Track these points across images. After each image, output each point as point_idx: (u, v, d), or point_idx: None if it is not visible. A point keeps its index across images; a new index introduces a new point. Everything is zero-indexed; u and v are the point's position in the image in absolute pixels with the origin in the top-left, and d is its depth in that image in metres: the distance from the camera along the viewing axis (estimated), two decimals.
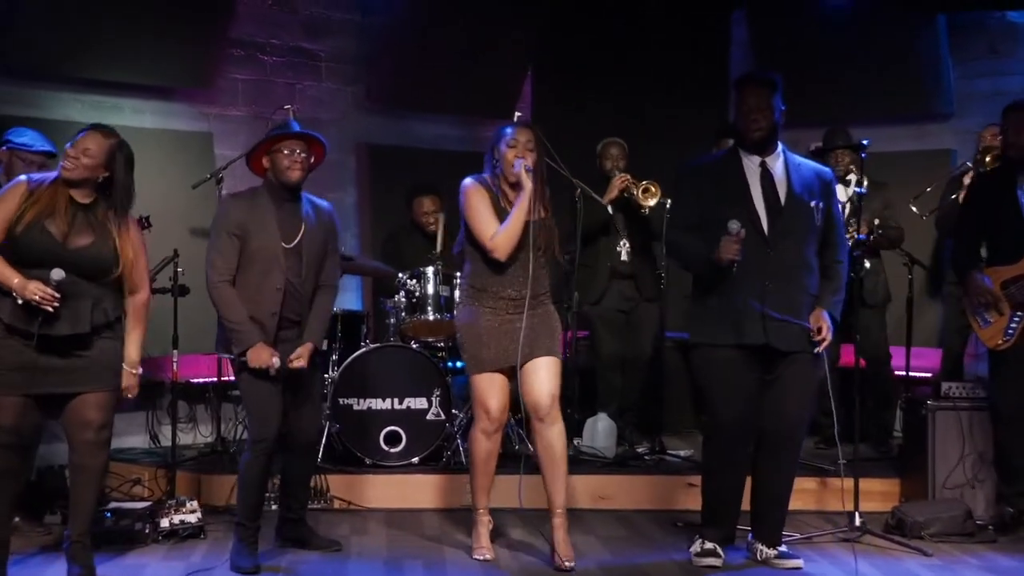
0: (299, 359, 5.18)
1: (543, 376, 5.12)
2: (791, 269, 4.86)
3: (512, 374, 5.14)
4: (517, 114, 6.26)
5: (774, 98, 4.92)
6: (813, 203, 4.89)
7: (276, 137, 5.22)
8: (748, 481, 5.23)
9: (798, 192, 4.90)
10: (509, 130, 5.10)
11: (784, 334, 4.87)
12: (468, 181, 5.16)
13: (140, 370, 4.88)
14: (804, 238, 4.88)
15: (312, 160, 5.25)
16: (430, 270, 6.83)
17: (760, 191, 4.88)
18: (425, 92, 8.39)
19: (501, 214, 5.08)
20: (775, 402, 4.96)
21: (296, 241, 5.16)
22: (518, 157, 5.02)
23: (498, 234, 5.02)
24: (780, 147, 4.99)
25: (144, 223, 5.84)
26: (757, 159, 4.91)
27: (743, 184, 4.90)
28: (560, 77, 8.76)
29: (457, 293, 5.27)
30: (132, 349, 4.84)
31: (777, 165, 4.93)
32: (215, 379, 7.13)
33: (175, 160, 7.55)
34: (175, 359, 6.39)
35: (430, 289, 6.82)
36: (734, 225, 4.75)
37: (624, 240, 7.18)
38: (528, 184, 4.97)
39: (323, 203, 5.39)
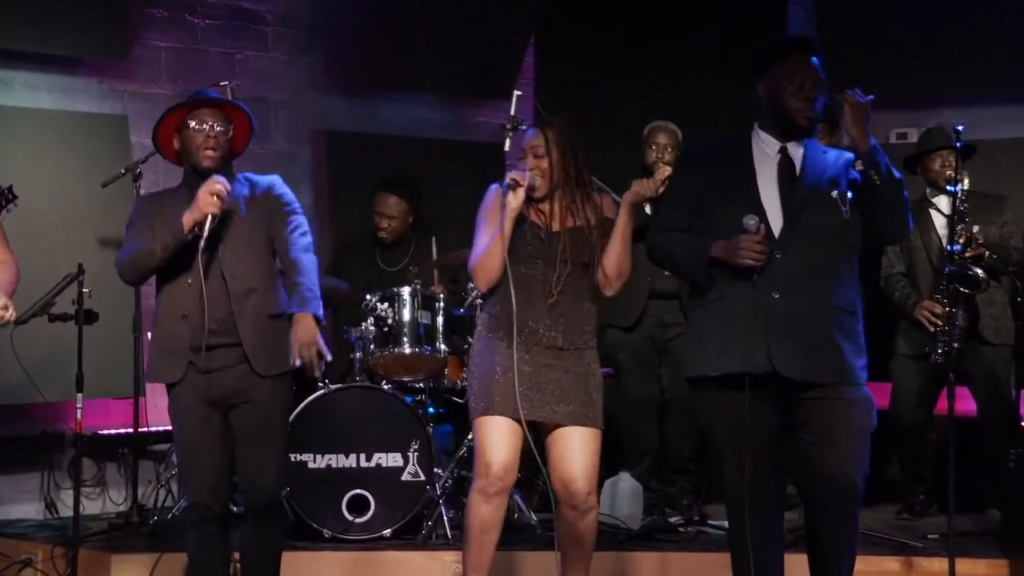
0: (309, 345, 5.07)
1: (577, 452, 5.17)
2: (806, 277, 4.77)
3: (530, 429, 5.17)
4: (517, 93, 6.46)
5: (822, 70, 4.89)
6: (835, 193, 4.83)
7: (180, 107, 5.18)
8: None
9: (816, 180, 4.85)
10: (525, 137, 5.31)
11: (799, 359, 4.73)
12: (491, 189, 5.33)
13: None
14: (825, 239, 4.81)
15: (231, 136, 5.20)
16: (406, 291, 6.81)
17: (775, 182, 4.84)
18: (400, 65, 8.39)
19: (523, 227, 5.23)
20: (809, 456, 4.81)
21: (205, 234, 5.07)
22: (523, 169, 5.17)
23: (473, 259, 5.23)
24: None
25: (7, 195, 5.71)
26: (777, 144, 4.88)
27: (749, 173, 4.86)
28: (570, 46, 8.73)
29: (477, 322, 5.38)
30: None
31: (798, 151, 4.90)
32: (131, 429, 7.03)
33: (80, 150, 7.50)
34: (79, 405, 6.33)
35: (406, 315, 6.79)
36: (751, 221, 4.70)
37: None
38: (511, 203, 5.11)
39: (263, 178, 5.36)
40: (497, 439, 5.12)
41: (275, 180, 5.38)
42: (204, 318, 5.06)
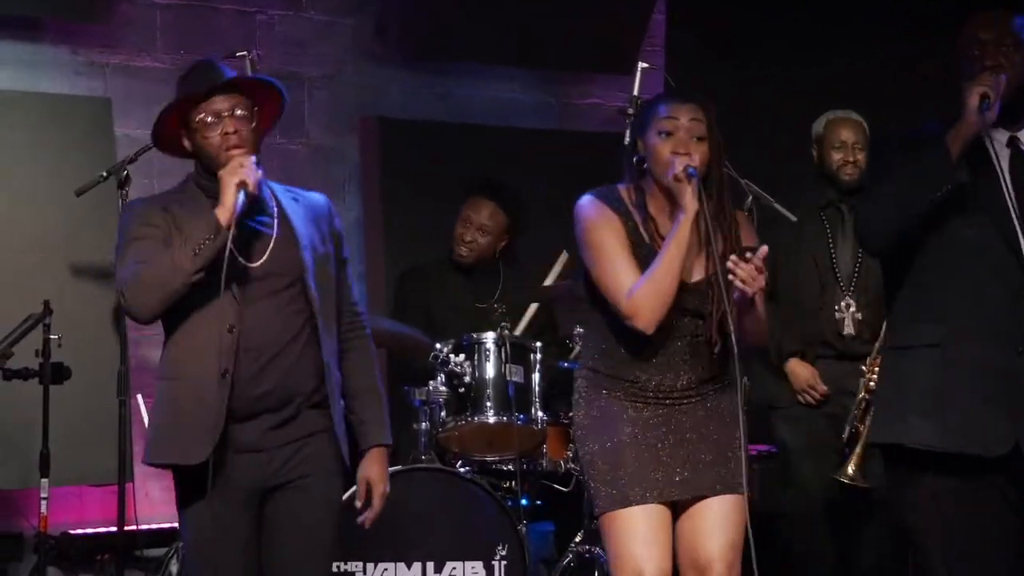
0: (379, 483, 5.31)
1: (717, 525, 5.05)
2: None
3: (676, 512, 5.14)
4: (642, 65, 6.56)
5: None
6: None
7: (186, 99, 5.06)
8: None
9: None
10: (662, 107, 5.12)
11: None
12: (586, 201, 5.17)
13: None
14: None
15: (257, 122, 5.12)
16: (490, 338, 6.86)
17: (1011, 185, 4.83)
18: (482, 31, 8.39)
19: (645, 252, 5.05)
20: None
21: (264, 257, 5.06)
22: (676, 152, 4.96)
23: (637, 289, 4.95)
24: None
25: None
26: (1004, 134, 4.89)
27: (991, 173, 4.82)
28: (713, 7, 8.77)
29: (576, 382, 5.28)
30: None
31: None
32: (113, 528, 6.85)
33: (46, 145, 7.51)
34: (44, 495, 6.43)
35: (490, 371, 6.85)
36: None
37: (849, 296, 7.14)
38: (691, 203, 4.92)
39: (313, 196, 5.35)
40: (645, 538, 4.97)
41: (329, 204, 5.39)
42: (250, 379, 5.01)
